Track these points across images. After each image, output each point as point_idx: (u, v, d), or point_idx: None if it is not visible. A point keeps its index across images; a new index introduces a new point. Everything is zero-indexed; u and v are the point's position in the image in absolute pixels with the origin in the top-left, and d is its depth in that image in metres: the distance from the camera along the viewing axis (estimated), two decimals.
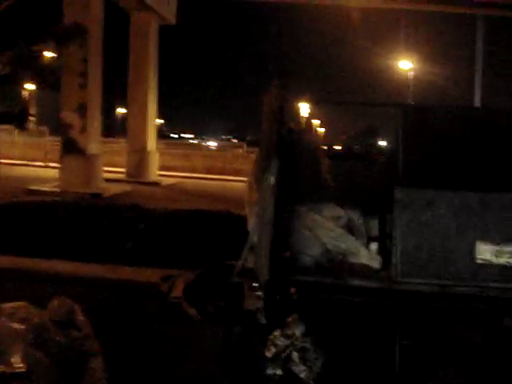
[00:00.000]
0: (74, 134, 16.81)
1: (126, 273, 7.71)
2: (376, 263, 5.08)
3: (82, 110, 16.60)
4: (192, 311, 6.07)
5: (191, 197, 16.52)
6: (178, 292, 6.54)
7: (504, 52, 27.45)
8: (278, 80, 4.67)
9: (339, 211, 5.45)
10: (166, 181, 21.01)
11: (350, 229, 5.57)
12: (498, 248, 4.63)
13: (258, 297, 4.57)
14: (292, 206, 5.20)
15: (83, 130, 16.78)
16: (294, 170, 5.26)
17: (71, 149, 16.75)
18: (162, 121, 53.21)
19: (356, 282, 4.82)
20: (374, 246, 5.73)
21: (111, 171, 20.98)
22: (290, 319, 4.87)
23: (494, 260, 4.63)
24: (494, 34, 26.67)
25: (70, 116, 16.89)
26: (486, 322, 5.00)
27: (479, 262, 4.64)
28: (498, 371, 4.76)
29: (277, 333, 4.88)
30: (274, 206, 4.59)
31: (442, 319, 5.04)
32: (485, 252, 4.64)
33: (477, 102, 26.33)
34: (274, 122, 4.63)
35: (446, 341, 5.14)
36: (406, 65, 29.71)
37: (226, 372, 4.70)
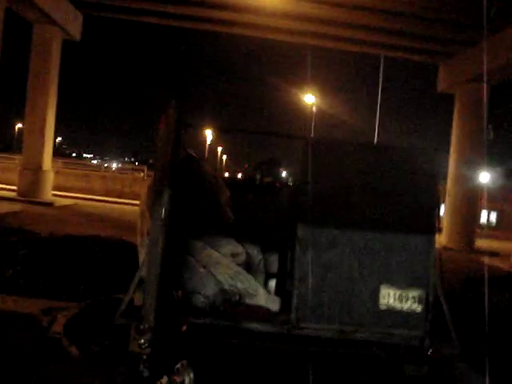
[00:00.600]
0: None
1: (3, 302, 7.11)
2: (274, 305, 4.72)
3: None
4: (73, 349, 5.51)
5: (85, 219, 15.66)
6: (59, 327, 6.00)
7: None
8: (175, 101, 4.24)
9: (238, 247, 5.07)
10: (60, 201, 19.95)
11: (248, 266, 5.20)
12: (401, 292, 4.40)
13: (141, 344, 4.07)
14: (186, 239, 4.77)
15: None
16: (190, 201, 4.84)
17: None
18: (60, 138, 51.26)
19: (253, 326, 4.43)
20: (273, 284, 5.39)
21: (2, 188, 19.69)
22: (179, 365, 4.41)
23: (398, 305, 4.38)
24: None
25: None
26: (388, 369, 4.74)
27: (382, 307, 4.38)
28: None
29: (164, 380, 4.41)
30: (164, 239, 4.13)
31: (344, 365, 4.75)
32: (388, 296, 4.38)
33: (375, 138, 27.13)
34: (169, 147, 4.20)
35: None
36: (310, 99, 30.15)
37: None
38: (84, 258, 7.97)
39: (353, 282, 4.43)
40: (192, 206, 4.91)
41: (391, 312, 4.40)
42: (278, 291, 5.32)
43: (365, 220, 4.56)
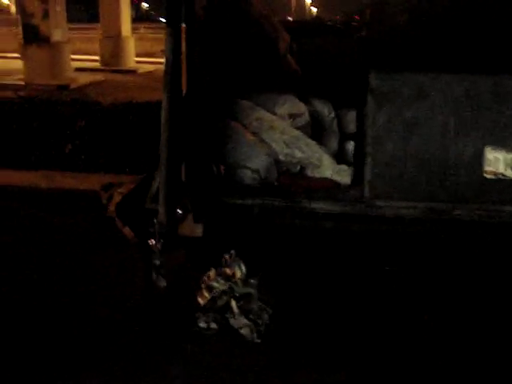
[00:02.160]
0: (35, 20, 15.03)
1: (64, 180, 6.67)
2: (344, 177, 3.71)
3: None
4: (126, 230, 4.81)
5: None
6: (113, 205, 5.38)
7: None
8: None
9: (299, 106, 4.01)
10: (144, 68, 19.24)
11: (317, 129, 4.17)
12: None
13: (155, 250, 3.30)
14: (229, 99, 3.76)
15: (45, 15, 14.97)
16: (233, 48, 3.78)
17: (33, 37, 15.06)
18: (147, 4, 49.92)
19: (316, 205, 3.48)
20: (350, 147, 4.34)
21: (84, 60, 19.22)
22: (227, 256, 3.60)
23: (510, 173, 3.26)
24: None
25: (29, 1, 15.05)
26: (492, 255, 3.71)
27: (488, 176, 3.26)
28: None
29: (212, 273, 3.64)
30: (175, 103, 3.16)
31: (436, 254, 3.76)
32: (496, 162, 3.25)
33: None
34: None
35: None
36: None
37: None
38: (147, 128, 7.17)
39: (447, 145, 3.32)
40: (237, 54, 3.85)
41: (500, 182, 3.29)
42: (357, 157, 4.24)
43: (464, 59, 3.34)
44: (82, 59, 18.88)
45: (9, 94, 9.25)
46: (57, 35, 15.47)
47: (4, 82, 14.24)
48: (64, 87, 14.00)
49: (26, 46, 15.51)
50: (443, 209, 3.37)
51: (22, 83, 14.39)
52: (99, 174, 6.64)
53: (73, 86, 14.62)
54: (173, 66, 3.28)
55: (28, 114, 7.28)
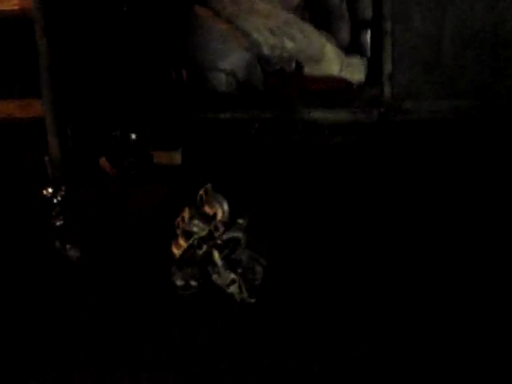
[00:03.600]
0: None
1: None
2: (356, 73, 2.69)
3: None
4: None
5: None
6: None
7: None
8: None
9: None
10: None
11: (324, 14, 3.14)
12: None
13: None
14: None
15: None
16: None
17: None
18: None
19: (320, 115, 2.52)
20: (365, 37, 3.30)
21: None
22: (201, 192, 2.71)
23: None
24: None
25: None
26: None
27: None
28: None
29: (186, 213, 2.75)
30: None
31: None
32: None
33: None
34: None
35: None
36: None
37: None
38: None
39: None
40: None
41: None
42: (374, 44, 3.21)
43: None
44: None
45: None
46: None
47: None
48: None
49: None
50: (496, 106, 2.37)
51: None
52: None
53: None
54: None
55: None
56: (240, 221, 2.69)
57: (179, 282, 2.73)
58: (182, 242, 2.75)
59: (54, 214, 2.45)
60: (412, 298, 2.45)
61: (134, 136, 2.77)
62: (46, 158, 2.54)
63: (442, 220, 2.87)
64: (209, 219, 2.72)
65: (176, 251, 2.75)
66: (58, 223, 2.49)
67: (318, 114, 2.56)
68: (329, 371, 2.12)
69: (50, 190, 2.43)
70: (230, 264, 2.64)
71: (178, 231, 2.78)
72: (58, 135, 2.54)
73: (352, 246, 2.79)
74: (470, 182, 2.96)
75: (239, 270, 2.62)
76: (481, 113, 2.68)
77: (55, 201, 2.43)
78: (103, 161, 3.76)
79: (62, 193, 2.42)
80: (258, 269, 2.62)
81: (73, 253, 2.55)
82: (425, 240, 2.75)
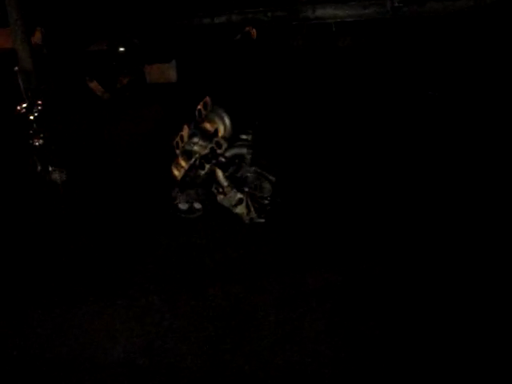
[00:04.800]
0: None
1: None
2: None
3: None
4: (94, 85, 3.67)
5: None
6: None
7: None
8: None
9: None
10: None
11: None
12: None
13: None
14: None
15: None
16: None
17: None
18: None
19: (325, 12, 2.26)
20: None
21: None
22: (200, 106, 2.49)
23: None
24: None
25: None
26: None
27: None
28: None
29: (185, 132, 2.55)
30: None
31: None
32: None
33: None
34: None
35: None
36: None
37: None
38: None
39: None
40: None
41: None
42: None
43: None
44: None
45: None
46: None
47: None
48: None
49: None
50: None
51: None
52: None
53: None
54: None
55: None
56: (244, 136, 2.48)
57: (183, 206, 2.56)
58: (182, 162, 2.55)
59: (31, 132, 2.19)
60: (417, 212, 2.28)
61: (122, 49, 2.51)
62: (16, 69, 2.25)
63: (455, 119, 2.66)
64: (210, 136, 2.51)
65: (177, 173, 2.56)
66: (36, 143, 2.24)
67: (323, 12, 2.29)
68: (340, 286, 1.98)
69: (25, 105, 2.16)
70: (236, 183, 2.45)
71: (178, 151, 2.58)
72: (26, 41, 2.25)
73: (362, 156, 2.59)
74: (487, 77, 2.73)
75: (246, 189, 2.44)
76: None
77: (32, 117, 2.17)
78: (94, 84, 3.51)
79: (39, 107, 2.16)
80: (267, 186, 2.44)
81: (57, 176, 2.31)
82: (432, 149, 2.55)
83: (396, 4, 2.20)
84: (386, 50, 2.54)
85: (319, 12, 2.26)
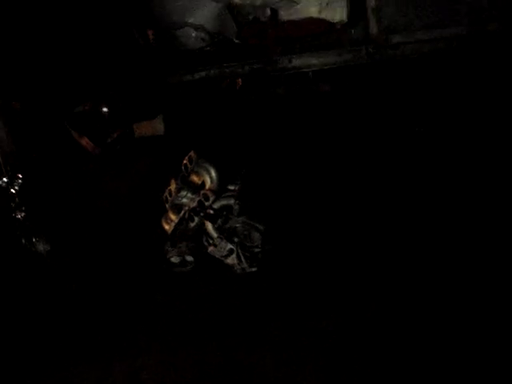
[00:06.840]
0: None
1: None
2: (340, 12, 2.46)
3: None
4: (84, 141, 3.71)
5: None
6: None
7: None
8: None
9: None
10: None
11: None
12: None
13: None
14: None
15: None
16: None
17: None
18: None
19: (302, 61, 2.31)
20: None
21: None
22: (185, 161, 2.53)
23: None
24: None
25: None
26: None
27: None
28: None
29: (172, 186, 2.58)
30: None
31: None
32: None
33: None
34: None
35: None
36: None
37: None
38: None
39: None
40: None
41: None
42: None
43: None
44: None
45: None
46: None
47: None
48: None
49: None
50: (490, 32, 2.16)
51: None
52: None
53: None
54: None
55: None
56: (231, 187, 2.51)
57: (175, 259, 2.56)
58: (172, 216, 2.58)
59: (13, 205, 2.21)
60: (415, 252, 2.28)
61: (105, 109, 2.56)
62: None
63: (439, 158, 2.68)
64: (197, 189, 2.54)
65: (167, 227, 2.58)
66: (19, 216, 2.25)
67: (300, 62, 2.35)
68: (339, 333, 1.97)
69: (5, 180, 2.19)
70: (225, 234, 2.46)
71: (167, 206, 2.61)
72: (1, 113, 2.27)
73: (351, 200, 2.60)
74: (466, 111, 2.77)
75: (236, 239, 2.45)
76: (475, 40, 2.47)
77: (13, 191, 2.19)
78: (85, 140, 3.54)
79: (19, 181, 2.19)
80: (256, 235, 2.45)
81: (41, 247, 2.32)
82: (423, 183, 2.57)
83: (370, 50, 2.26)
84: (365, 93, 2.59)
85: (296, 62, 2.31)
